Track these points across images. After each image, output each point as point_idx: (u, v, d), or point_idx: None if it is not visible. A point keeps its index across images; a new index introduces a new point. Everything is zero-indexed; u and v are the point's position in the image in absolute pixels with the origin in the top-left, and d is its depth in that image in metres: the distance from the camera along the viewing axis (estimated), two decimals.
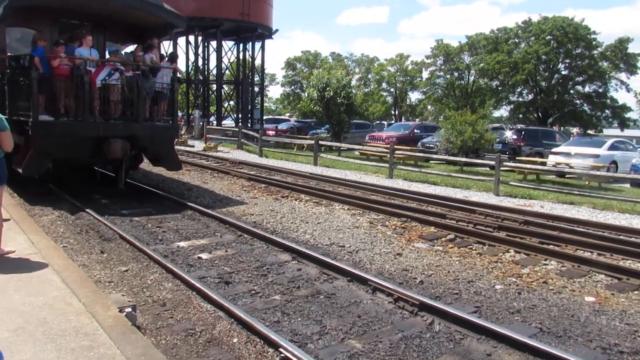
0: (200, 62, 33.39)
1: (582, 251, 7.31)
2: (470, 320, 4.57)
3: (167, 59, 11.31)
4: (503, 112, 50.54)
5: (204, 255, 6.53)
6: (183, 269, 5.84)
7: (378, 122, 45.90)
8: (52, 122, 9.08)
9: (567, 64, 41.73)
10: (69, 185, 10.49)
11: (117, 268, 5.87)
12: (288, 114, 62.99)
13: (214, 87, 34.58)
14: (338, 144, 21.91)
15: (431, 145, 22.58)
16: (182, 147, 21.46)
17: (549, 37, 40.20)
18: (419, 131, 26.77)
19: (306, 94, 25.44)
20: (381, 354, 4.10)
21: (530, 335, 4.47)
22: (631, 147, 21.10)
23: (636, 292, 5.76)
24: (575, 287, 5.90)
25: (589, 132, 40.23)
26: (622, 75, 41.59)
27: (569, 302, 5.40)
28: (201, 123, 29.10)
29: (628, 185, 16.35)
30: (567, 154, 18.38)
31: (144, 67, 10.07)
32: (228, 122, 36.91)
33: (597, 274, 6.31)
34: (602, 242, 7.63)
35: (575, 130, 37.84)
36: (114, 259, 6.21)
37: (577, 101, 42.60)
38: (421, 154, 20.19)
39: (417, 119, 57.95)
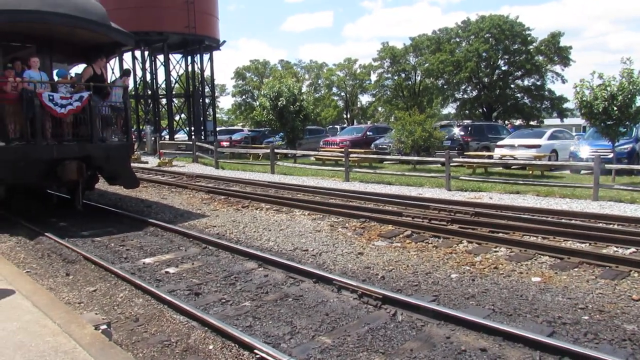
0: (148, 77, 32.98)
1: (528, 236, 7.86)
2: (430, 307, 4.93)
3: (120, 75, 11.29)
4: (450, 109, 52.39)
5: (171, 270, 6.65)
6: (152, 284, 5.94)
7: (331, 126, 46.50)
8: (3, 147, 8.91)
9: (506, 60, 43.75)
10: (24, 211, 10.29)
11: (85, 289, 5.91)
12: (241, 124, 62.84)
13: (164, 101, 34.19)
14: (293, 151, 22.19)
15: (384, 147, 23.18)
16: (136, 164, 21.17)
17: (487, 35, 42.06)
18: (371, 133, 27.40)
19: (258, 103, 25.57)
20: (350, 347, 4.38)
21: (484, 316, 4.87)
22: (569, 135, 22.42)
23: (576, 269, 6.30)
24: (522, 270, 6.39)
25: (531, 123, 42.27)
26: (557, 68, 44.02)
27: (518, 284, 5.87)
28: (153, 138, 28.74)
29: (568, 172, 17.40)
30: (512, 146, 19.38)
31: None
32: (181, 136, 36.53)
33: (542, 256, 6.84)
34: (545, 226, 8.24)
35: (515, 122, 39.68)
36: (80, 280, 6.24)
37: (518, 95, 44.73)
38: (375, 156, 20.72)
39: (368, 121, 59.09)
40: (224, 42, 33.94)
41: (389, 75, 51.51)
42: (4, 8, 8.85)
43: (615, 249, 7.09)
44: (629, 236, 7.40)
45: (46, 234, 8.40)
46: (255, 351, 4.14)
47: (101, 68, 10.51)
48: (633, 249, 6.96)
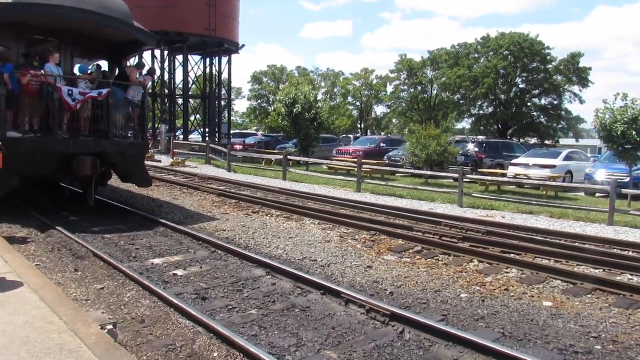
0: (166, 76, 33.25)
1: (540, 259, 7.73)
2: (438, 328, 4.84)
3: (144, 73, 11.37)
4: (465, 124, 52.17)
5: (179, 272, 6.62)
6: (159, 286, 5.91)
7: (344, 135, 46.48)
8: (21, 138, 8.99)
9: (524, 78, 43.56)
10: (36, 203, 10.36)
11: (93, 286, 5.91)
12: (255, 128, 63.11)
13: (180, 101, 34.42)
14: (306, 159, 22.16)
15: (397, 159, 23.10)
16: (150, 163, 21.22)
17: (506, 52, 41.94)
18: (385, 145, 27.34)
19: (273, 109, 25.70)
20: None
21: (494, 339, 4.77)
22: (585, 157, 22.18)
23: (589, 296, 6.18)
24: (534, 293, 6.28)
25: (547, 142, 41.92)
26: (575, 88, 43.70)
27: (529, 308, 5.76)
28: (168, 138, 28.91)
29: (583, 194, 17.19)
30: (526, 165, 19.21)
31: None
32: (195, 137, 36.72)
33: (554, 280, 6.72)
34: (558, 249, 8.11)
35: (531, 141, 39.36)
36: (89, 277, 6.24)
37: (535, 113, 44.41)
38: (388, 168, 20.64)
39: (382, 133, 59.01)
40: (243, 46, 34.18)
41: (406, 87, 51.54)
42: (27, 1, 8.94)
43: (630, 276, 6.95)
44: None
45: (57, 227, 8.43)
46: None
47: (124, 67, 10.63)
48: None
